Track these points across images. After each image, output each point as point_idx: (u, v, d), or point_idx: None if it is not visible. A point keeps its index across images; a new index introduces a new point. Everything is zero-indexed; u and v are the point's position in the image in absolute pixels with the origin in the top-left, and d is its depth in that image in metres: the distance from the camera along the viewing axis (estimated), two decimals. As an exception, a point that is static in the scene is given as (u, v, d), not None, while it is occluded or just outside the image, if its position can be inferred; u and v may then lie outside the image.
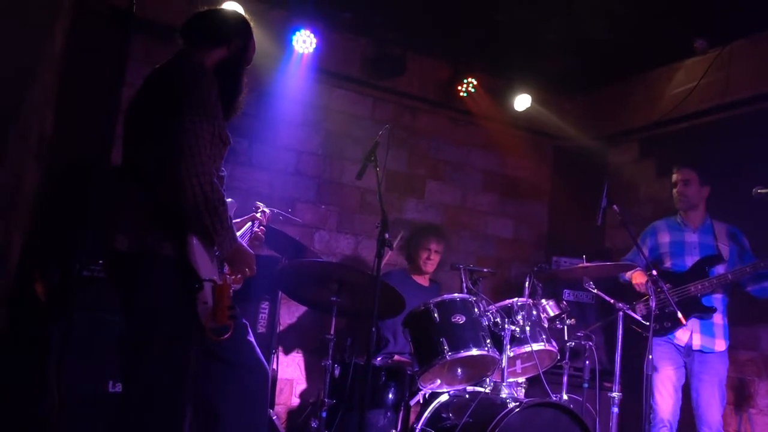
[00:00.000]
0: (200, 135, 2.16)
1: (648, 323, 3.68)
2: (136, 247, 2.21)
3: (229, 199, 2.49)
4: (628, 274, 4.07)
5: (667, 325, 3.83)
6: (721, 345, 3.85)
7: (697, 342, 3.84)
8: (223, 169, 2.42)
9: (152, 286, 2.22)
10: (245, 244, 2.49)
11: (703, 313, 3.82)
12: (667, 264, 4.04)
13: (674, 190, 4.08)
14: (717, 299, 3.88)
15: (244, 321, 2.54)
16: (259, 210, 2.95)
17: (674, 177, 4.08)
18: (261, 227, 2.89)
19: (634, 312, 3.75)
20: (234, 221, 2.65)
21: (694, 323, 3.84)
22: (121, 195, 2.31)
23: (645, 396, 3.38)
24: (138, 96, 2.37)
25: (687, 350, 3.88)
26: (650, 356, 3.40)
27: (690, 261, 3.95)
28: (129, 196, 2.28)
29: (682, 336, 3.86)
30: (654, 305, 3.50)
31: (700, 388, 3.82)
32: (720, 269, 3.88)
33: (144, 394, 2.19)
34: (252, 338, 2.58)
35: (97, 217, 2.15)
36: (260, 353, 2.58)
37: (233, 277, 2.41)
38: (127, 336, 2.26)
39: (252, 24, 2.61)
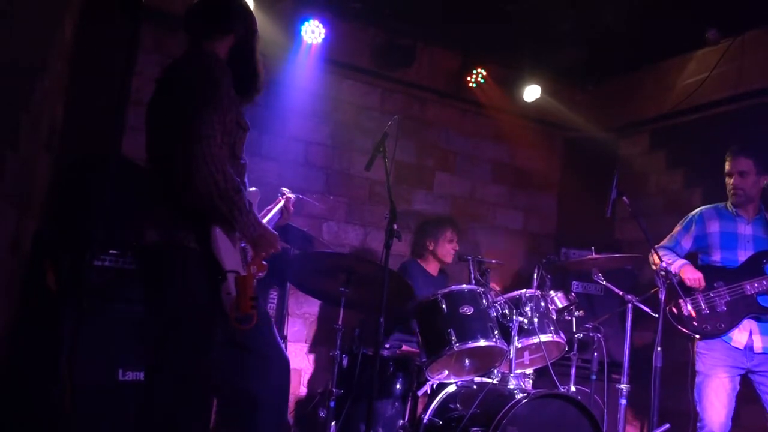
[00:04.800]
0: (210, 127, 2.20)
1: (695, 323, 3.57)
2: (163, 240, 2.26)
3: (253, 188, 2.58)
4: (673, 267, 3.68)
5: (720, 326, 3.53)
6: None
7: (758, 344, 3.51)
8: (244, 156, 2.46)
9: (178, 278, 2.26)
10: (271, 227, 2.55)
11: (761, 314, 3.52)
12: (716, 257, 3.71)
13: (729, 181, 3.70)
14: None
15: (268, 312, 2.58)
16: (285, 196, 3.08)
17: (727, 165, 3.69)
18: (290, 206, 3.01)
19: (680, 310, 3.55)
20: (266, 209, 2.79)
21: (751, 324, 3.53)
22: (147, 190, 2.35)
23: (654, 388, 3.35)
24: (155, 92, 2.42)
25: (748, 353, 3.52)
26: (659, 348, 3.36)
27: (743, 255, 3.63)
28: (154, 191, 2.32)
29: (739, 338, 3.53)
30: (663, 297, 3.47)
31: None
32: None
33: (172, 381, 2.25)
34: (275, 330, 2.62)
35: (107, 206, 2.19)
36: (282, 345, 2.63)
37: (256, 267, 2.44)
38: (154, 326, 2.30)
39: (250, 4, 2.64)
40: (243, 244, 2.44)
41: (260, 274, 2.47)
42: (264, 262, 2.50)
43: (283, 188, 3.14)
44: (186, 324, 2.26)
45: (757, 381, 3.58)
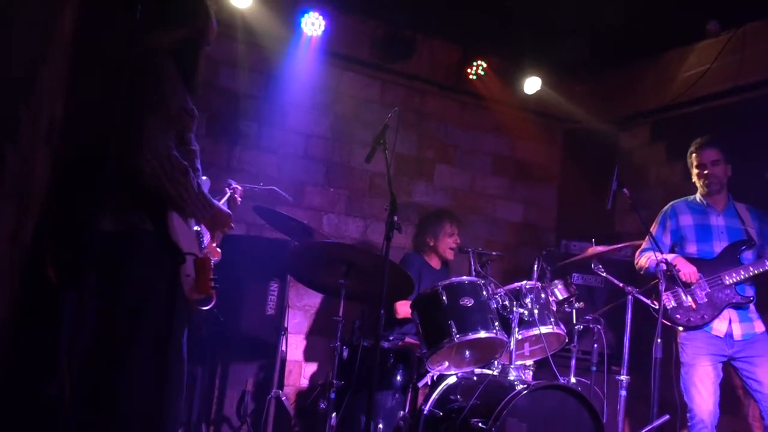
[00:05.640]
0: (154, 115, 2.26)
1: (679, 315, 3.64)
2: (121, 226, 2.29)
3: (204, 177, 2.64)
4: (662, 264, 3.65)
5: (704, 317, 3.61)
6: (760, 326, 3.66)
7: (738, 332, 3.62)
8: (194, 142, 2.49)
9: (139, 263, 2.29)
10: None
11: (740, 303, 3.62)
12: (692, 249, 3.82)
13: (702, 173, 3.83)
14: (747, 286, 3.70)
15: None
16: (232, 186, 3.24)
17: (697, 159, 3.85)
18: (237, 197, 3.09)
19: (659, 305, 3.54)
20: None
21: (731, 312, 3.64)
22: (102, 176, 2.37)
23: (654, 380, 3.36)
24: (100, 78, 2.46)
25: (728, 341, 3.62)
26: (659, 340, 3.37)
27: (718, 246, 3.74)
28: (109, 177, 2.34)
29: (719, 326, 3.63)
30: (663, 289, 3.47)
31: (758, 373, 3.55)
32: (750, 254, 3.72)
33: (139, 365, 2.26)
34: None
35: (105, 202, 2.23)
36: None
37: (211, 251, 2.56)
38: (112, 314, 2.30)
39: (212, 7, 2.64)
40: (196, 228, 2.49)
41: (215, 258, 2.59)
42: (218, 249, 2.64)
43: (230, 180, 3.27)
44: (147, 308, 2.28)
45: (740, 367, 3.65)
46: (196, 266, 2.35)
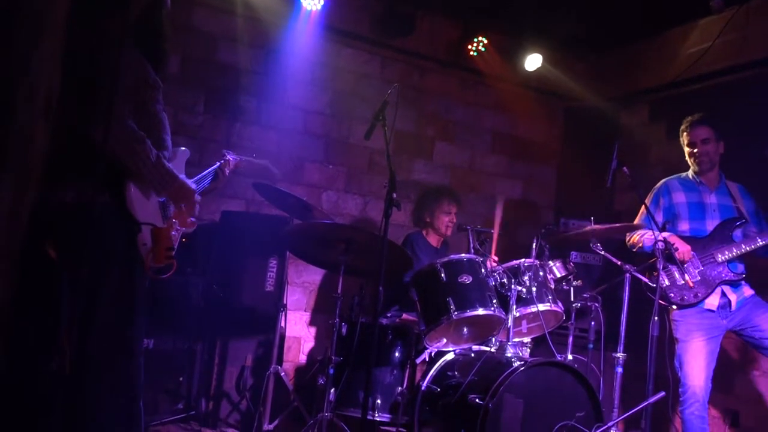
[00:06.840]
0: (114, 90, 2.25)
1: (673, 294, 3.65)
2: (81, 197, 2.32)
3: (183, 148, 2.69)
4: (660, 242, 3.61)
5: (698, 295, 3.61)
6: (748, 290, 3.69)
7: (734, 301, 3.65)
8: (161, 114, 2.51)
9: (99, 233, 2.35)
10: (201, 190, 2.70)
11: (733, 280, 3.64)
12: (684, 227, 3.80)
13: (692, 151, 3.83)
14: (738, 263, 3.70)
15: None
16: (225, 158, 3.19)
17: (688, 137, 3.85)
18: (226, 169, 3.12)
19: (656, 283, 3.54)
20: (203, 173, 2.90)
21: (723, 287, 3.65)
22: (62, 147, 2.39)
23: (650, 357, 3.37)
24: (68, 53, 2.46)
25: (722, 312, 3.64)
26: (656, 318, 3.38)
27: (710, 225, 3.74)
28: (68, 148, 2.37)
29: (712, 300, 3.63)
30: (661, 267, 3.47)
31: (761, 326, 3.56)
32: (741, 232, 3.72)
33: (101, 333, 2.33)
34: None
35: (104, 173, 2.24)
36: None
37: (178, 221, 2.60)
38: (75, 283, 2.37)
39: None
40: (162, 199, 2.53)
41: (183, 229, 2.63)
42: (192, 219, 2.66)
43: (225, 150, 3.24)
44: (108, 276, 2.33)
45: (743, 332, 3.65)
46: (153, 236, 2.42)
